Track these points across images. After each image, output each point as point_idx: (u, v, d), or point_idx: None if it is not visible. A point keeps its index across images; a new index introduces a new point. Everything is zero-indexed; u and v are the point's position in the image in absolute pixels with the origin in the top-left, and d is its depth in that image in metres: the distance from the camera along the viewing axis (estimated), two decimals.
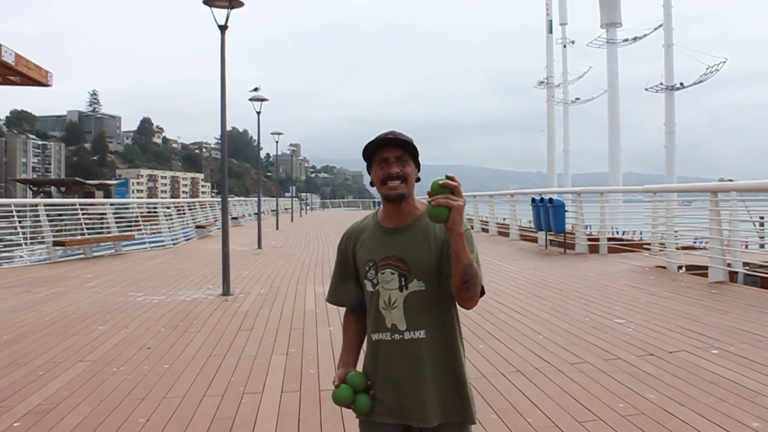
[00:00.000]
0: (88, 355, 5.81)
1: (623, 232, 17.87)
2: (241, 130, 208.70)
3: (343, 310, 2.37)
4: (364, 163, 2.18)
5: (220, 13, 9.92)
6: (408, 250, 2.09)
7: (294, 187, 62.30)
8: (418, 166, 2.15)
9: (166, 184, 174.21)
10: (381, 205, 2.23)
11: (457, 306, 2.14)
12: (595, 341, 5.85)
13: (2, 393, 4.72)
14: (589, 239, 14.20)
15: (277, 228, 28.77)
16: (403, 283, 2.08)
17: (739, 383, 4.48)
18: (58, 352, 5.92)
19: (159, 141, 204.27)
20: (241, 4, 9.90)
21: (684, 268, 10.21)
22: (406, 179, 2.08)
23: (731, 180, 15.40)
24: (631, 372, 4.86)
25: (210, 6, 9.77)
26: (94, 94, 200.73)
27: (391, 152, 2.08)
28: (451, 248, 1.93)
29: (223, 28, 9.98)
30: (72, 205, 16.89)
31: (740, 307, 7.26)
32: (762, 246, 12.50)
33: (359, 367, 2.24)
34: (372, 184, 2.16)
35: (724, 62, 37.84)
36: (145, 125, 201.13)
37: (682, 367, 4.93)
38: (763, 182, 9.79)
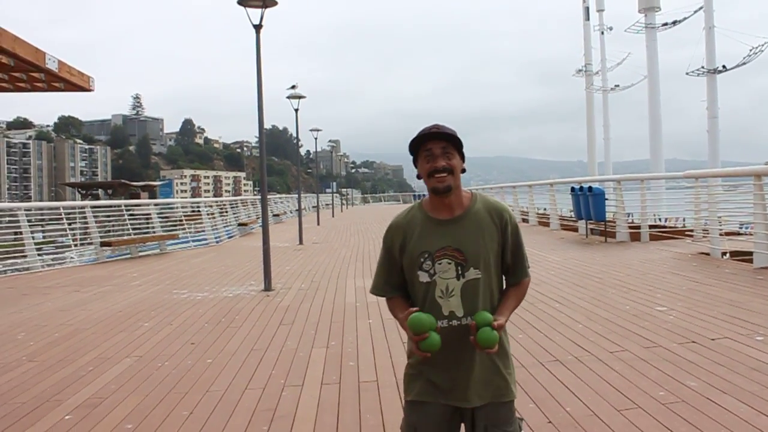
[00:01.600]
0: (134, 351, 5.98)
1: (665, 219, 17.54)
2: (281, 128, 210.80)
3: (383, 302, 2.43)
4: (404, 157, 2.28)
5: (255, 13, 10.03)
6: (463, 241, 2.18)
7: (335, 183, 62.58)
8: (462, 157, 2.23)
9: (209, 184, 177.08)
10: (425, 197, 2.31)
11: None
12: (636, 329, 5.78)
13: (54, 387, 4.90)
14: (630, 227, 13.97)
15: (318, 224, 29.01)
16: (460, 272, 2.17)
17: None
18: (106, 349, 6.11)
19: (201, 141, 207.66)
20: (275, 3, 9.99)
21: (728, 255, 10.00)
22: (452, 171, 2.16)
23: None
24: (672, 360, 4.80)
25: (244, 6, 9.90)
26: (136, 97, 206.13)
27: (436, 145, 2.17)
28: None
29: (257, 28, 10.10)
30: (118, 206, 17.32)
31: None
32: None
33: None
34: (419, 177, 2.23)
35: None
36: (187, 126, 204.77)
37: (725, 354, 4.85)
38: None
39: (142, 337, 6.54)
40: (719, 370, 4.49)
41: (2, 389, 4.91)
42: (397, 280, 2.31)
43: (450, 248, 2.18)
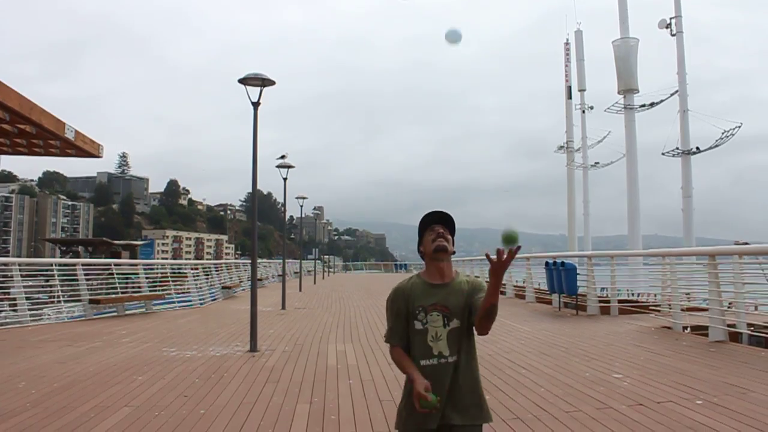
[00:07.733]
0: (132, 401, 6.45)
1: (638, 294, 18.23)
2: (265, 193, 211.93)
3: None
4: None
5: (253, 91, 10.80)
6: (449, 300, 2.97)
7: (317, 249, 62.99)
8: (453, 242, 3.09)
9: (190, 245, 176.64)
10: (423, 270, 3.11)
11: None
12: (592, 393, 6.37)
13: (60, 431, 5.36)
14: (601, 301, 14.64)
15: (300, 290, 29.40)
16: (446, 322, 2.95)
17: (717, 429, 4.99)
18: (105, 398, 6.56)
19: (185, 203, 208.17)
20: (273, 83, 10.75)
21: (689, 329, 10.65)
22: (448, 241, 3.00)
23: (746, 243, 15.77)
24: (620, 419, 5.39)
25: (244, 85, 10.67)
26: (123, 156, 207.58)
27: (438, 225, 3.04)
28: (489, 288, 2.73)
29: (255, 105, 10.85)
30: (107, 265, 17.76)
31: (733, 363, 7.73)
32: None
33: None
34: (421, 252, 3.05)
35: (740, 127, 38.31)
36: (172, 187, 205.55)
37: (666, 415, 5.44)
38: (763, 246, 10.31)
39: (137, 389, 7.00)
40: (659, 428, 5.08)
41: None
42: (404, 329, 3.01)
43: (439, 305, 2.94)
